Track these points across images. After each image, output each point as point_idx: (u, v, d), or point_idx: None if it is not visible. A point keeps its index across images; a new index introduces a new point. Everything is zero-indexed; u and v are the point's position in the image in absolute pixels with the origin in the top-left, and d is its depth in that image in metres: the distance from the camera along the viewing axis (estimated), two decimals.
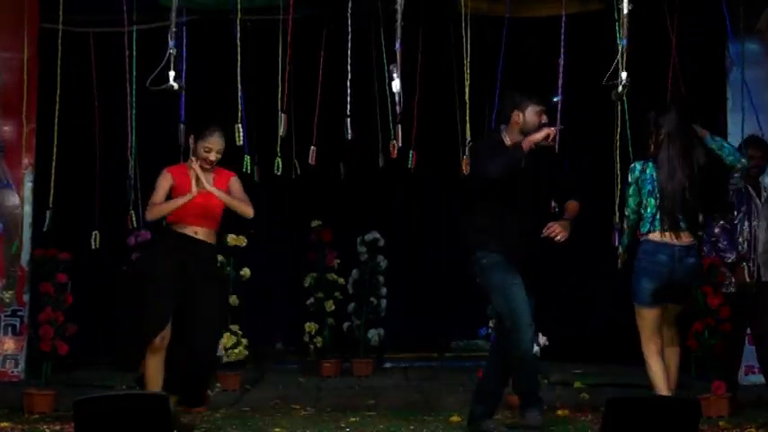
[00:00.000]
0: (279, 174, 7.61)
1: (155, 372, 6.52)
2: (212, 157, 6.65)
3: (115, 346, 6.80)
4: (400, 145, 7.71)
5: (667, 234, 6.45)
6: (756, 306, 7.46)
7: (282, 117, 7.54)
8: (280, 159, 7.49)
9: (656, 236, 6.48)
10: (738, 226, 7.60)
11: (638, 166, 6.57)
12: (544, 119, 6.45)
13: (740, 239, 7.58)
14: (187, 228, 6.61)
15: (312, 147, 7.94)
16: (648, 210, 6.51)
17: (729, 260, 7.54)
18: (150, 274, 6.60)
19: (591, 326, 9.92)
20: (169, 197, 6.62)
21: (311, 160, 7.94)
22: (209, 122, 6.78)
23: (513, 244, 6.40)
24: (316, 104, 8.27)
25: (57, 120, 7.48)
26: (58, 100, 7.46)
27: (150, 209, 6.62)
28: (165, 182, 6.64)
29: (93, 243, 7.66)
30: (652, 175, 6.48)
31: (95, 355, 9.28)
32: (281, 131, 7.61)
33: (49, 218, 7.47)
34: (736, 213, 7.61)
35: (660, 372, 6.50)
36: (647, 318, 6.54)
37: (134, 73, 8.00)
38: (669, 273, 6.47)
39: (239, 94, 7.32)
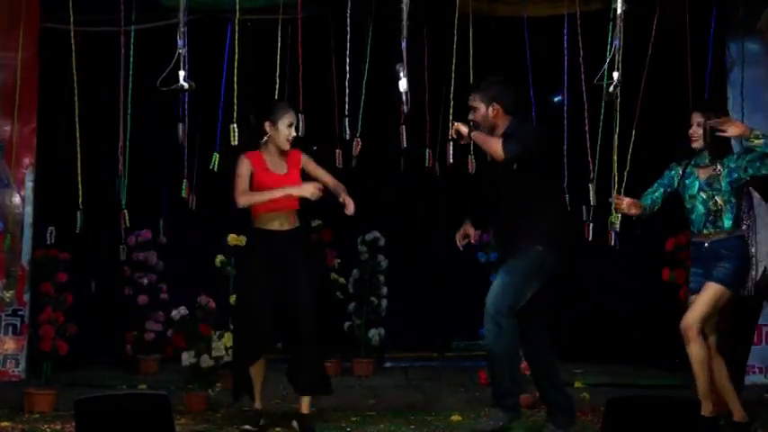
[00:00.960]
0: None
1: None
2: (294, 131, 6.72)
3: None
4: (405, 145, 7.70)
5: None
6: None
7: (300, 118, 7.54)
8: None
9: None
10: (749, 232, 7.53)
11: None
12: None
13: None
14: (273, 222, 6.67)
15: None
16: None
17: None
18: (248, 298, 6.72)
19: (591, 326, 9.92)
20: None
21: (338, 163, 7.94)
22: (275, 101, 6.97)
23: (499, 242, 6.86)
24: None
25: (78, 118, 7.45)
26: (76, 99, 7.44)
27: (240, 197, 6.59)
28: (245, 168, 6.63)
29: (48, 238, 7.70)
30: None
31: (95, 355, 9.29)
32: (299, 132, 7.60)
33: (80, 219, 7.47)
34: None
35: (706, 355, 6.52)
36: (724, 302, 6.58)
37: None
38: None
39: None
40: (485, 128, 6.60)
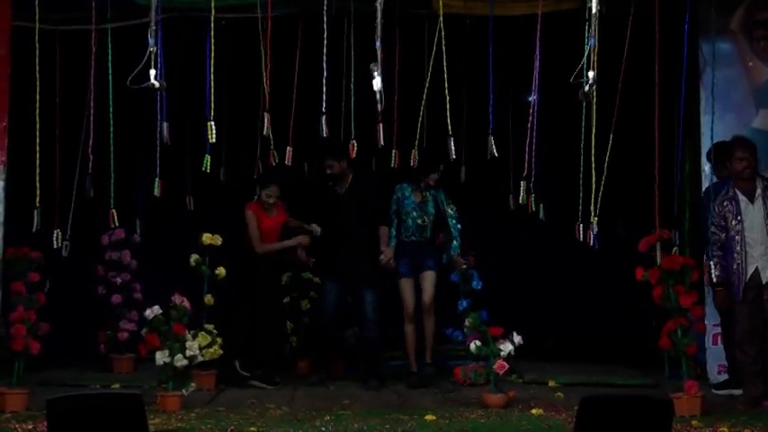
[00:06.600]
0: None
1: None
2: (271, 201, 8.59)
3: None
4: (382, 143, 7.69)
5: None
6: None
7: (266, 117, 7.51)
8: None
9: None
10: (737, 236, 7.55)
11: None
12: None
13: (737, 249, 7.56)
14: None
15: (288, 147, 7.94)
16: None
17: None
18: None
19: (565, 326, 9.95)
20: None
21: (288, 161, 7.95)
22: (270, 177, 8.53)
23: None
24: (291, 103, 8.22)
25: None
26: (38, 98, 7.39)
27: (259, 246, 8.59)
28: (253, 220, 8.54)
29: (54, 242, 7.68)
30: None
31: (68, 355, 9.23)
32: (265, 131, 7.57)
33: (37, 218, 7.41)
34: (733, 224, 7.58)
35: None
36: None
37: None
38: None
39: (210, 92, 7.30)
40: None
